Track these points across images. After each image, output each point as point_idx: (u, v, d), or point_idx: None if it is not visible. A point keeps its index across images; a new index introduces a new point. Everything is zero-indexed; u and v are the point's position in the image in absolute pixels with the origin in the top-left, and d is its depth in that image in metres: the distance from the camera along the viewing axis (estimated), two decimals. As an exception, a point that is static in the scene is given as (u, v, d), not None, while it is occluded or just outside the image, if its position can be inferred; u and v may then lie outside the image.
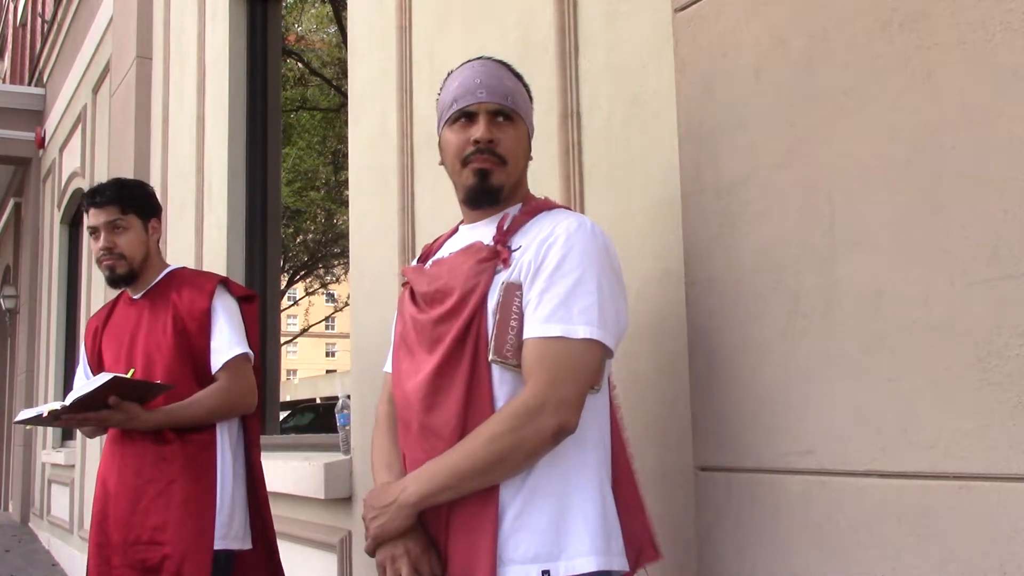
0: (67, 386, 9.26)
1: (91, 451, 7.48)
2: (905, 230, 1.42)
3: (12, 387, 13.04)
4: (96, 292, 7.52)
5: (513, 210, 1.73)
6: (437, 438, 1.60)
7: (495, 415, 1.55)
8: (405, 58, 3.08)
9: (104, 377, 2.40)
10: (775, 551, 1.60)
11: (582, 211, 2.28)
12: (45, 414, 2.46)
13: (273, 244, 4.75)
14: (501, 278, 1.62)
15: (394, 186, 3.07)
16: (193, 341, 2.64)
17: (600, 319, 1.56)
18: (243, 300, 2.77)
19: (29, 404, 10.96)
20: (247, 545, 2.65)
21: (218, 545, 2.53)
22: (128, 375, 2.57)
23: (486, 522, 1.55)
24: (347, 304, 3.62)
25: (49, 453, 9.51)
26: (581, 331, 1.54)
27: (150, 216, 2.78)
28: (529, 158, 1.80)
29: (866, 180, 1.48)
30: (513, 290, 1.60)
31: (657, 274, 2.02)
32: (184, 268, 2.89)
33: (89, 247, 7.97)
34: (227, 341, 2.65)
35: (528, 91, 1.82)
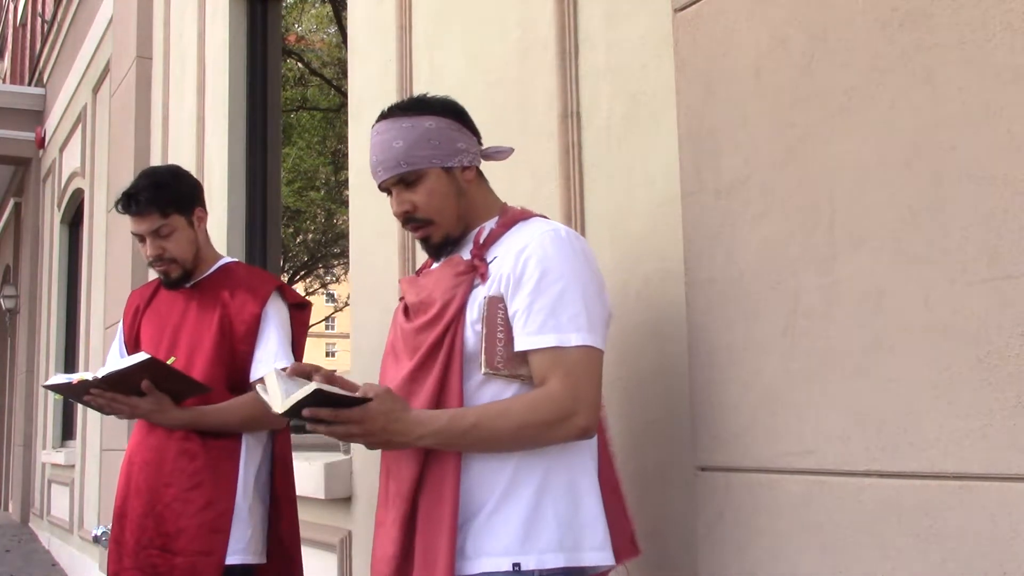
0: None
1: (91, 451, 7.48)
2: (905, 230, 1.42)
3: (12, 387, 13.04)
4: (96, 292, 7.52)
5: (490, 223, 1.79)
6: None
7: (530, 402, 1.62)
8: (405, 58, 3.08)
9: (141, 356, 2.32)
10: (775, 551, 1.60)
11: (582, 211, 2.28)
12: (75, 382, 2.37)
13: (273, 244, 4.75)
14: (481, 292, 1.68)
15: (394, 186, 3.07)
16: (237, 345, 2.56)
17: (589, 324, 1.63)
18: (295, 307, 2.68)
19: (29, 404, 10.97)
20: (264, 560, 2.57)
21: (236, 559, 2.47)
22: (168, 362, 2.47)
23: (447, 517, 1.60)
24: (347, 304, 3.62)
25: (49, 453, 9.51)
26: (573, 338, 1.61)
27: (193, 208, 2.64)
28: (465, 184, 1.78)
29: (866, 180, 1.48)
30: (496, 303, 1.66)
31: (657, 274, 2.02)
32: (239, 264, 2.78)
33: (88, 249, 7.98)
34: (273, 353, 2.56)
35: (440, 107, 1.79)
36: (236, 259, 2.81)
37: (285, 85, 6.73)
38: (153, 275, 2.88)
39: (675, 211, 1.91)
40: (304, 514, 3.49)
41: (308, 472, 3.29)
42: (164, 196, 2.57)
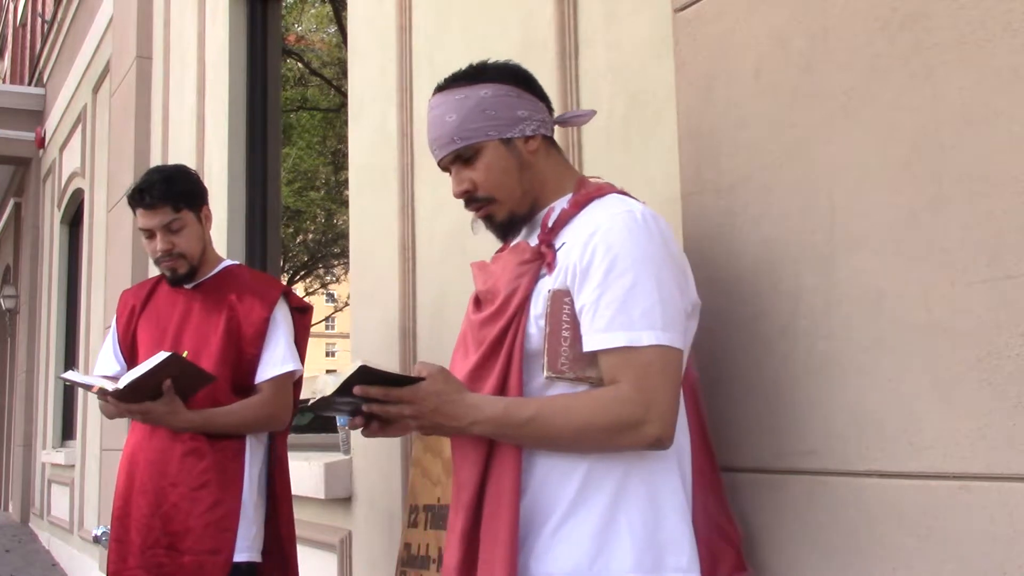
0: (67, 386, 9.26)
1: (91, 451, 7.48)
2: (905, 230, 1.42)
3: (12, 387, 13.04)
4: (96, 292, 7.52)
5: (561, 202, 1.62)
6: (461, 440, 1.57)
7: (596, 402, 1.45)
8: (405, 58, 3.08)
9: (162, 356, 2.31)
10: (775, 551, 1.60)
11: (582, 211, 2.28)
12: (94, 389, 2.38)
13: (273, 244, 4.75)
14: (546, 283, 1.53)
15: (394, 186, 3.07)
16: (244, 347, 2.57)
17: (664, 321, 1.44)
18: (297, 311, 2.70)
19: (29, 404, 10.97)
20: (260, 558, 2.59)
21: (242, 557, 2.49)
22: (183, 355, 2.47)
23: (505, 530, 1.46)
24: (347, 304, 3.62)
25: (49, 453, 9.51)
26: (645, 337, 1.43)
27: (201, 205, 2.65)
28: (529, 156, 1.63)
29: (866, 180, 1.48)
30: (561, 297, 1.50)
31: (657, 274, 2.01)
32: (243, 267, 2.79)
33: (88, 249, 7.98)
34: (280, 356, 2.59)
35: (497, 73, 1.65)
36: (238, 262, 2.82)
37: (285, 85, 6.73)
38: (152, 273, 2.86)
39: (675, 211, 1.90)
40: (304, 514, 3.49)
41: (308, 472, 3.29)
42: (176, 190, 2.58)
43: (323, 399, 1.52)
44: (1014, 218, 1.29)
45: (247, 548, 2.51)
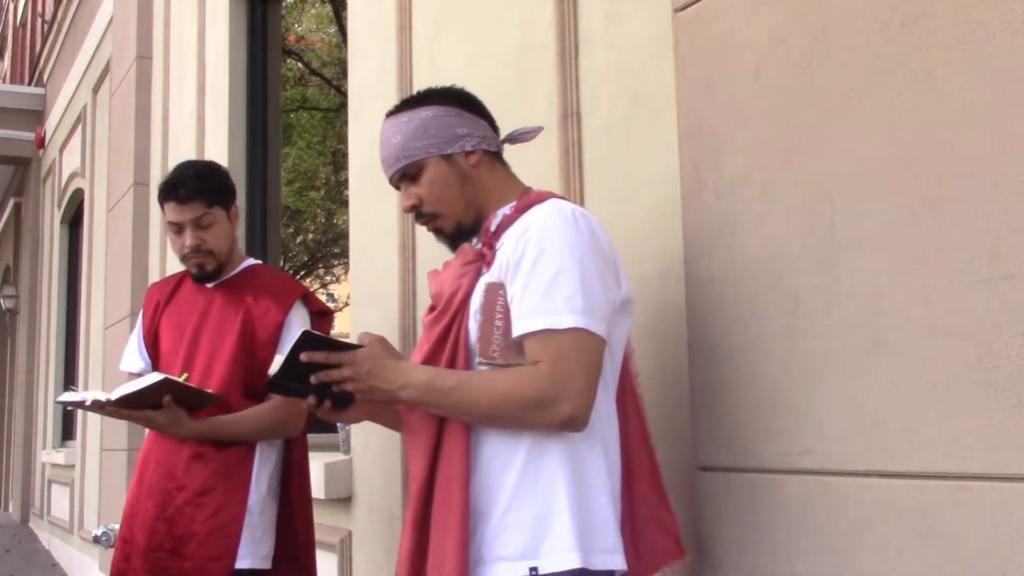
0: (67, 386, 9.26)
1: (91, 451, 7.48)
2: (905, 230, 1.42)
3: (12, 387, 13.04)
4: (96, 292, 7.52)
5: (505, 208, 1.72)
6: (412, 433, 1.67)
7: (515, 377, 1.54)
8: (405, 58, 3.08)
9: (154, 377, 2.31)
10: (775, 551, 1.60)
11: (582, 211, 2.28)
12: (88, 402, 2.37)
13: (273, 244, 4.75)
14: (485, 279, 1.63)
15: (394, 186, 3.07)
16: (257, 351, 2.53)
17: (585, 307, 1.53)
18: (317, 314, 2.65)
19: (29, 404, 10.97)
20: (270, 565, 2.55)
21: (245, 563, 2.45)
22: (181, 379, 2.45)
23: (455, 516, 1.56)
24: (347, 304, 3.62)
25: (49, 453, 9.51)
26: (565, 320, 1.52)
27: (231, 203, 2.62)
28: (469, 170, 1.73)
29: (866, 180, 1.48)
30: (495, 289, 1.60)
31: (657, 274, 2.02)
32: (265, 267, 2.75)
33: (88, 249, 7.98)
34: None
35: (439, 96, 1.76)
36: (260, 261, 2.78)
37: (285, 85, 6.73)
38: (157, 273, 2.84)
39: (675, 211, 1.91)
40: (304, 514, 3.49)
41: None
42: (209, 186, 2.55)
43: (275, 377, 1.63)
44: (1014, 218, 1.29)
45: (250, 555, 2.47)
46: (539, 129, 1.83)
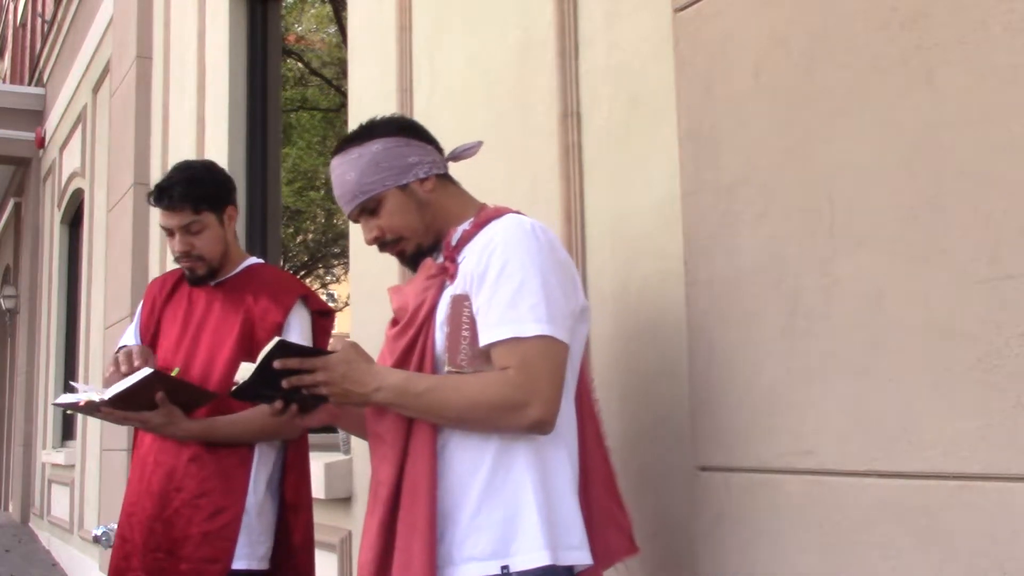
0: (67, 385, 9.26)
1: (91, 451, 7.48)
2: (905, 230, 1.42)
3: (12, 387, 13.05)
4: (96, 292, 7.52)
5: (464, 225, 1.77)
6: (381, 442, 1.70)
7: (484, 381, 1.60)
8: (405, 58, 3.08)
9: (144, 372, 2.29)
10: (775, 551, 1.60)
11: (582, 211, 2.28)
12: (82, 403, 2.35)
13: (273, 244, 4.75)
14: (450, 291, 1.68)
15: (394, 186, 3.07)
16: (257, 351, 2.45)
17: (548, 315, 1.60)
18: (318, 314, 2.62)
19: (29, 404, 10.97)
20: (267, 566, 2.53)
21: (241, 564, 2.44)
22: (173, 373, 2.43)
23: (423, 519, 1.59)
24: (347, 304, 3.62)
25: (49, 453, 9.51)
26: (531, 328, 1.58)
27: (225, 206, 2.58)
28: (425, 195, 1.78)
29: (866, 180, 1.48)
30: (461, 301, 1.66)
31: (657, 274, 2.02)
32: (266, 267, 2.72)
33: (88, 249, 7.98)
34: None
35: (384, 128, 1.79)
36: (262, 260, 2.76)
37: (285, 85, 6.73)
38: (157, 273, 2.84)
39: (675, 211, 1.91)
40: (304, 514, 3.49)
41: (308, 472, 3.29)
42: (198, 192, 2.52)
43: (245, 384, 1.66)
44: (1014, 218, 1.29)
45: (246, 556, 2.46)
46: (479, 144, 1.88)
